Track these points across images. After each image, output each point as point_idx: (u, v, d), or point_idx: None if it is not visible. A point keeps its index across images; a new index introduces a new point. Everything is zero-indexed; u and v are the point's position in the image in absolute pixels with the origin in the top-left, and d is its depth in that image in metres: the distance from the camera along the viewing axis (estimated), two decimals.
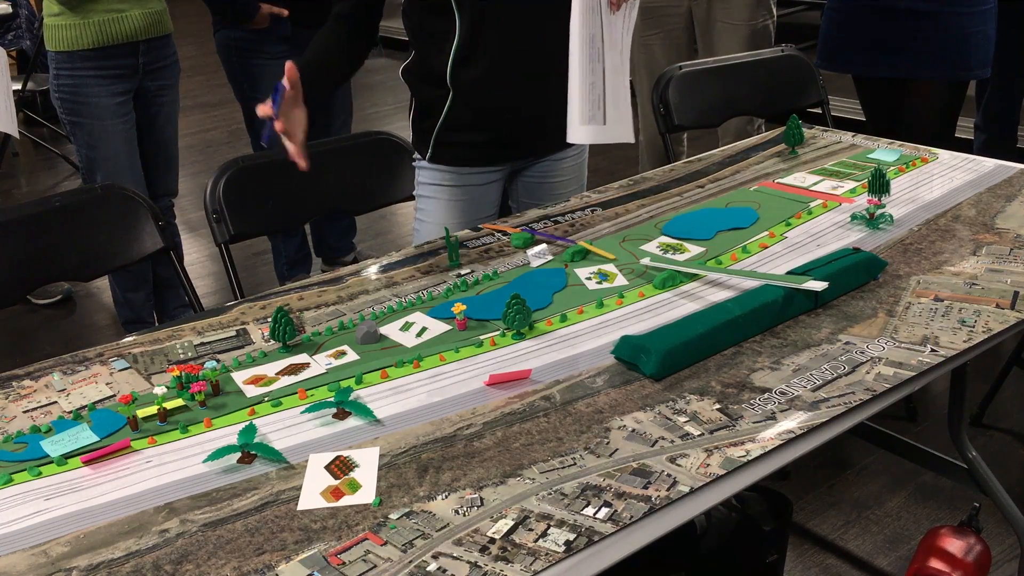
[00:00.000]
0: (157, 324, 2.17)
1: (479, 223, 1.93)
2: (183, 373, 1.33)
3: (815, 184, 1.95)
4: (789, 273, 1.50)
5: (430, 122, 1.98)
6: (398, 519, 1.05)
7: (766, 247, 1.69)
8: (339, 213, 3.10)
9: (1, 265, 1.72)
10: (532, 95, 1.89)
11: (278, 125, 1.65)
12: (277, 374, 1.36)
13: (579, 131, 1.78)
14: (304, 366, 1.38)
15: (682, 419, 1.21)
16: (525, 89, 1.89)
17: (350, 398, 1.28)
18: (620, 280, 1.59)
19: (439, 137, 1.98)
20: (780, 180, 1.99)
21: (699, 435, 1.18)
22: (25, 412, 1.31)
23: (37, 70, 4.62)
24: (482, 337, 1.43)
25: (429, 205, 2.04)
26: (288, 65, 1.68)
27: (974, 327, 1.40)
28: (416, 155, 2.06)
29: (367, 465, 1.15)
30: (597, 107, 1.81)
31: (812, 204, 1.85)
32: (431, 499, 1.08)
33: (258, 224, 2.02)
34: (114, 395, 1.33)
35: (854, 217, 1.77)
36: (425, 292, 1.59)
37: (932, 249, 1.65)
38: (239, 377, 1.36)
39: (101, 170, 2.75)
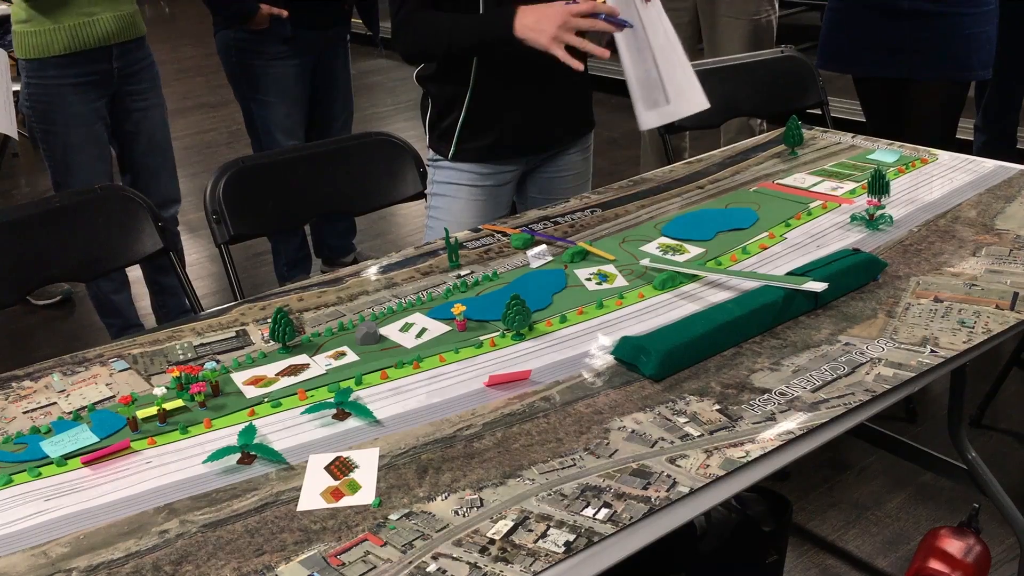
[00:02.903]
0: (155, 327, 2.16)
1: (492, 222, 1.93)
2: (183, 374, 1.33)
3: (815, 185, 1.95)
4: (789, 274, 1.50)
5: (450, 121, 2.00)
6: (398, 520, 1.05)
7: (766, 248, 1.69)
8: (339, 214, 3.11)
9: (1, 265, 1.72)
10: (553, 82, 1.89)
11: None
12: (277, 375, 1.36)
13: (648, 116, 1.84)
14: (304, 367, 1.38)
15: (682, 420, 1.21)
16: (546, 76, 1.89)
17: (350, 399, 1.28)
18: (620, 281, 1.59)
19: (461, 135, 2.00)
20: (780, 181, 1.99)
21: (699, 436, 1.18)
22: (25, 413, 1.31)
23: None
24: (482, 338, 1.43)
25: (445, 204, 2.06)
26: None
27: (974, 328, 1.40)
28: (435, 155, 2.07)
29: (367, 466, 1.15)
30: (657, 90, 1.83)
31: (812, 205, 1.85)
32: (431, 500, 1.08)
33: (258, 225, 2.02)
34: (114, 396, 1.33)
35: (854, 218, 1.77)
36: (425, 293, 1.59)
37: (932, 250, 1.65)
38: (239, 378, 1.36)
39: (75, 179, 2.68)
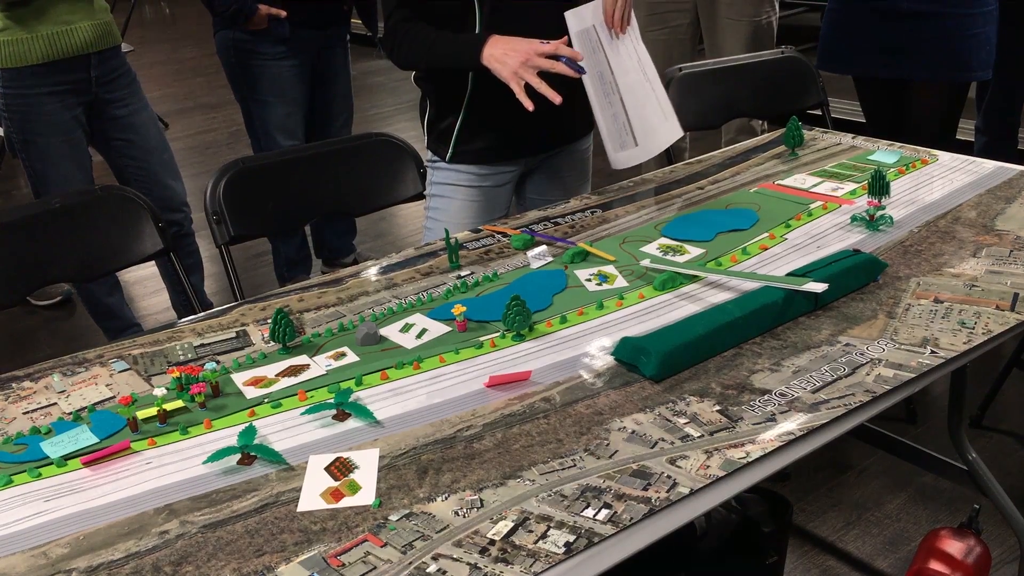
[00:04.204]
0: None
1: (492, 223, 1.94)
2: (183, 374, 1.33)
3: (815, 186, 1.95)
4: (789, 275, 1.50)
5: (449, 122, 2.00)
6: (398, 520, 1.05)
7: (766, 248, 1.69)
8: (339, 214, 3.10)
9: (1, 266, 1.72)
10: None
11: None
12: (277, 375, 1.36)
13: (618, 158, 1.94)
14: (304, 367, 1.38)
15: (682, 421, 1.21)
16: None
17: (350, 399, 1.28)
18: (620, 281, 1.59)
19: (460, 136, 2.00)
20: (780, 182, 1.99)
21: (699, 437, 1.18)
22: (25, 413, 1.31)
23: None
24: (482, 339, 1.43)
25: (444, 205, 2.06)
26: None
27: (974, 329, 1.40)
28: (433, 157, 2.07)
29: (367, 466, 1.15)
30: (625, 133, 1.94)
31: (812, 206, 1.85)
32: (431, 500, 1.08)
33: (258, 225, 2.02)
34: (114, 396, 1.33)
35: (854, 219, 1.77)
36: (425, 294, 1.59)
37: (932, 251, 1.65)
38: (239, 378, 1.36)
39: (55, 187, 2.65)
